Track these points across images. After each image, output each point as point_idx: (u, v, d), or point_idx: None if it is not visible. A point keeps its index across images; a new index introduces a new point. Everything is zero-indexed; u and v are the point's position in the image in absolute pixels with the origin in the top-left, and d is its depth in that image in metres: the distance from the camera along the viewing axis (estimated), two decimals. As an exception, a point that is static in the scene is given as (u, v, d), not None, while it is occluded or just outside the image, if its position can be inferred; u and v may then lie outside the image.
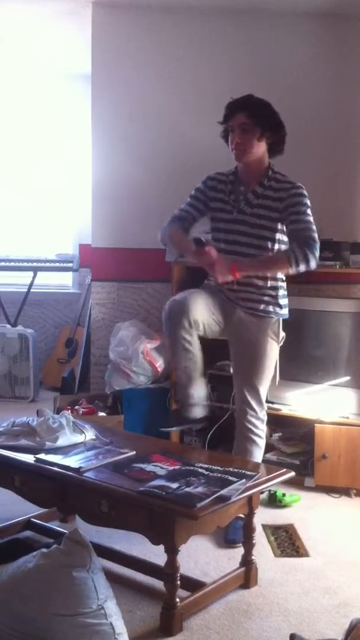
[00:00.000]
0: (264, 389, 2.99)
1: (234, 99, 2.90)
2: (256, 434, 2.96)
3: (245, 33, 4.47)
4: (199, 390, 2.94)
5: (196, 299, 2.87)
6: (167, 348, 3.06)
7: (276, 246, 2.90)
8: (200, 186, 3.05)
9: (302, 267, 2.77)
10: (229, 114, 2.88)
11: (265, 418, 3.02)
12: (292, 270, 2.78)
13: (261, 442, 2.99)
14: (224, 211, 2.96)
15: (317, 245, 2.78)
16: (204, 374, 3.00)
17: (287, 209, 2.83)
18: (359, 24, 4.37)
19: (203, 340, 3.01)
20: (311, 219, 2.82)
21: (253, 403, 2.95)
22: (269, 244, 2.89)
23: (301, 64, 4.45)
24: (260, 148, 2.90)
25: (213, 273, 2.80)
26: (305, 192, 2.86)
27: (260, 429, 2.98)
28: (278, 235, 2.90)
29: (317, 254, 2.77)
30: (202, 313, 2.86)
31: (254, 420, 2.96)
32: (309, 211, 2.83)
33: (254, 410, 2.96)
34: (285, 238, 2.90)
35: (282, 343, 3.04)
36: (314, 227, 2.80)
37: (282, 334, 3.02)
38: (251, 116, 2.83)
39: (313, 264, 2.77)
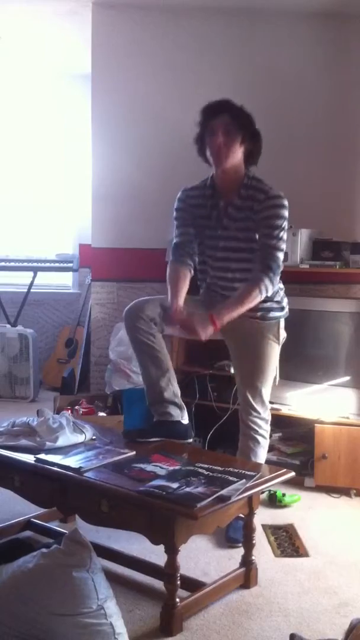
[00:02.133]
0: (266, 390, 2.98)
1: (214, 102, 2.78)
2: (260, 434, 2.96)
3: (245, 33, 4.47)
4: (170, 386, 2.87)
5: (153, 300, 2.89)
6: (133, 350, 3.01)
7: None
8: (180, 205, 2.95)
9: (267, 293, 2.76)
10: (211, 115, 2.75)
11: (269, 418, 3.02)
12: (259, 298, 2.75)
13: (265, 442, 2.99)
14: (209, 228, 2.90)
15: (278, 269, 2.76)
16: (174, 371, 2.94)
17: (260, 222, 2.76)
18: (359, 24, 4.37)
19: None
20: (280, 234, 2.74)
21: (256, 404, 2.95)
22: None
23: (301, 63, 4.45)
24: (239, 154, 2.77)
25: (194, 334, 2.74)
26: (279, 202, 2.73)
27: (264, 429, 2.98)
28: None
29: (276, 278, 2.76)
30: (163, 309, 2.85)
31: (257, 420, 2.96)
32: (279, 224, 2.73)
33: (257, 410, 2.96)
34: None
35: (283, 342, 3.02)
36: (281, 246, 2.75)
37: (283, 335, 3.00)
38: (235, 118, 2.73)
39: (271, 289, 2.75)
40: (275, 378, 3.04)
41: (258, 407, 2.96)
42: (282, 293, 2.98)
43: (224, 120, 2.73)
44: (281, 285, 2.97)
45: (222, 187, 2.85)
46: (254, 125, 2.79)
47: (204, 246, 2.96)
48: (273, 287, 2.77)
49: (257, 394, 2.95)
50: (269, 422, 3.02)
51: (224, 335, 3.02)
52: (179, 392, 2.93)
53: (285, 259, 3.69)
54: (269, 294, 2.79)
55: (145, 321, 2.82)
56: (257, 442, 2.96)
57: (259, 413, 2.96)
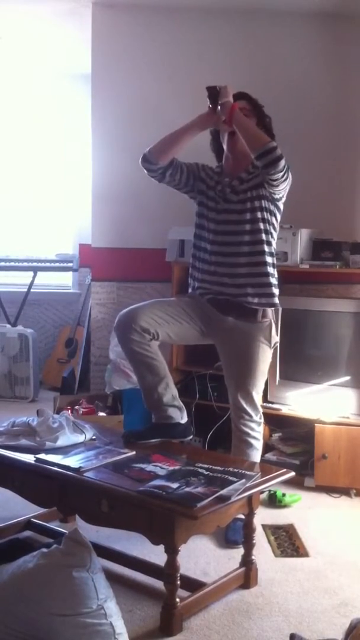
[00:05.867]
0: (257, 393, 2.96)
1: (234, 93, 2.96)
2: (253, 437, 2.94)
3: (245, 33, 4.47)
4: (168, 390, 2.85)
5: (146, 306, 2.87)
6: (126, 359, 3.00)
7: (265, 226, 2.88)
8: (194, 163, 3.06)
9: (274, 155, 2.71)
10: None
11: (262, 421, 3.00)
12: (264, 141, 2.73)
13: (258, 445, 2.97)
14: (212, 200, 2.95)
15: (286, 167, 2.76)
16: (170, 374, 2.92)
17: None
18: (359, 24, 4.37)
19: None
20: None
21: (248, 408, 2.92)
22: (261, 225, 2.87)
23: (301, 64, 4.44)
24: None
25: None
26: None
27: (257, 431, 2.96)
28: (267, 215, 2.88)
29: (285, 167, 2.75)
30: (156, 319, 2.82)
31: (250, 424, 2.94)
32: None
33: (249, 414, 2.93)
34: (275, 218, 2.91)
35: (274, 347, 2.99)
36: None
37: (276, 339, 2.97)
38: (250, 104, 2.96)
39: (282, 165, 2.73)
40: (275, 378, 3.03)
41: (250, 411, 2.93)
42: (274, 287, 2.94)
43: (242, 104, 2.93)
44: (274, 275, 2.95)
45: (230, 168, 2.96)
46: (267, 119, 3.00)
47: (203, 219, 2.97)
48: (281, 160, 2.71)
49: (249, 398, 2.93)
50: (262, 425, 3.00)
51: (216, 339, 3.01)
52: (176, 393, 2.92)
53: (285, 259, 3.73)
54: (273, 156, 2.71)
55: (138, 332, 2.79)
56: (251, 445, 2.93)
57: (251, 416, 2.94)
